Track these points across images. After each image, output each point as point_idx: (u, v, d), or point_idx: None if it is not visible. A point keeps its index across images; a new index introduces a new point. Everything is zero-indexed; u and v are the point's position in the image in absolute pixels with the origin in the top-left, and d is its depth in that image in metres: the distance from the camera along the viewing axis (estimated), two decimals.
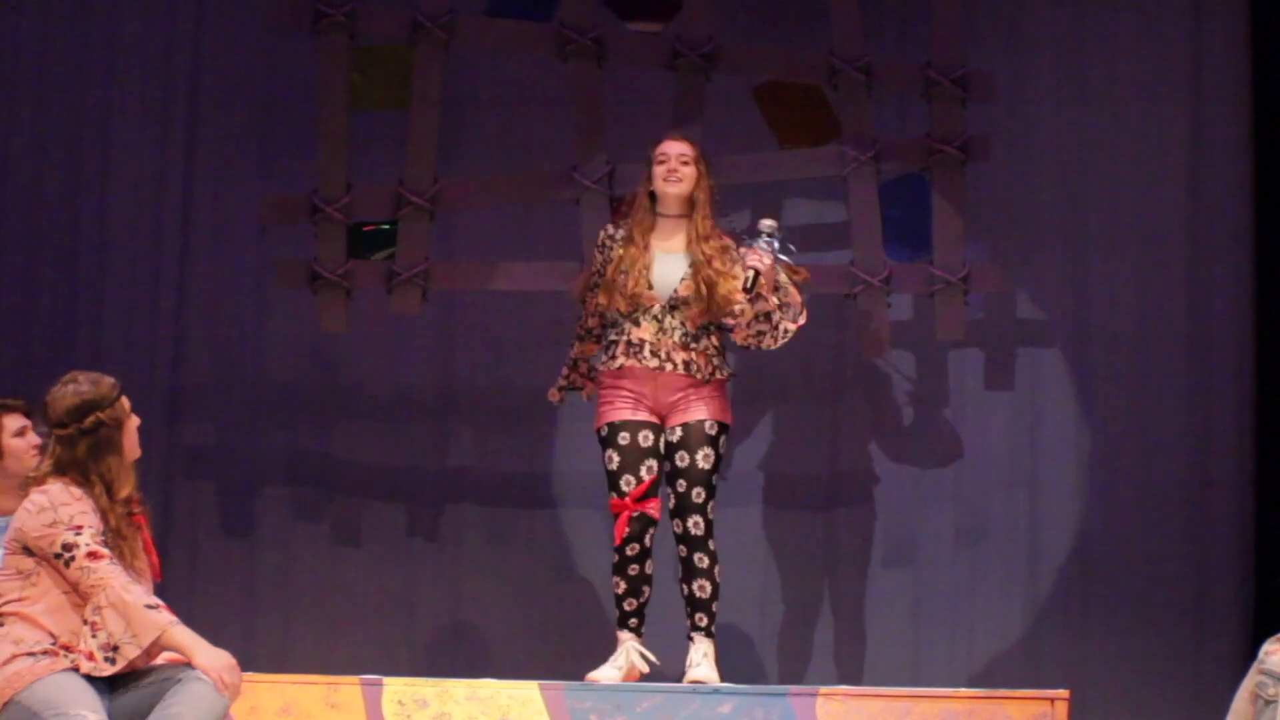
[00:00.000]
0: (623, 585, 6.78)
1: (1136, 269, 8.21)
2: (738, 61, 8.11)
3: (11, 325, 8.39)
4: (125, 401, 5.52)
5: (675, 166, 6.85)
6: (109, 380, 5.52)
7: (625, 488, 6.73)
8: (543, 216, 8.26)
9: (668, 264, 6.81)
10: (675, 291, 6.77)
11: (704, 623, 6.76)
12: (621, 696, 6.31)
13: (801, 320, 6.90)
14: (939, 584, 8.15)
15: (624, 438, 6.75)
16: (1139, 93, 8.25)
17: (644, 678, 6.77)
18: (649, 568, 6.79)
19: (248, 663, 5.55)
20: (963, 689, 6.46)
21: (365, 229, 8.07)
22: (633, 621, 6.79)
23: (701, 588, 6.75)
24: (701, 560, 6.74)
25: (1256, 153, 8.15)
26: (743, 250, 6.81)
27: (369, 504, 8.35)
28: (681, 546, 6.76)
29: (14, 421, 6.46)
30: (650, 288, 6.77)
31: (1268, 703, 5.49)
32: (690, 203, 6.86)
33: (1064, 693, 6.19)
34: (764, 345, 6.89)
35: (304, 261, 8.06)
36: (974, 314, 8.11)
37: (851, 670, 8.05)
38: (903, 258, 8.00)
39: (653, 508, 6.75)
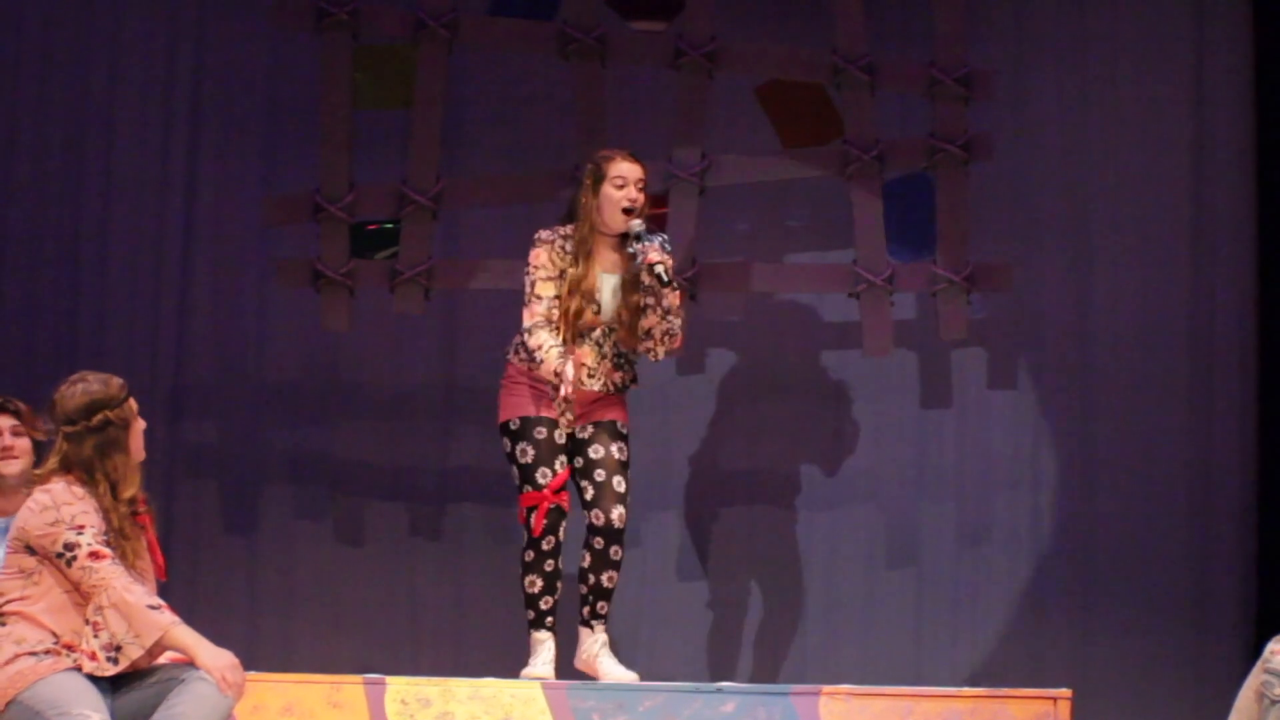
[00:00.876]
0: (539, 583, 6.76)
1: (1139, 268, 8.21)
2: (740, 61, 8.10)
3: (14, 324, 8.39)
4: (133, 403, 5.53)
5: (635, 195, 6.74)
6: (118, 381, 5.53)
7: (542, 480, 6.68)
8: (545, 216, 8.24)
9: (610, 287, 6.76)
10: (616, 315, 6.73)
11: (604, 611, 6.79)
12: (624, 696, 6.31)
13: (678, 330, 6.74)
14: (941, 583, 8.15)
15: (540, 432, 6.70)
16: (1141, 92, 8.25)
17: (654, 677, 6.74)
18: (561, 563, 6.77)
19: (250, 662, 5.56)
20: (965, 688, 6.45)
21: (368, 228, 8.08)
22: (550, 620, 6.79)
23: (611, 579, 6.75)
24: (616, 552, 6.73)
25: (1259, 152, 8.15)
26: (642, 246, 6.67)
27: (371, 503, 8.35)
28: (597, 538, 6.71)
29: (3, 421, 6.46)
30: (597, 313, 6.73)
31: (1273, 702, 5.49)
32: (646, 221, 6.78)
33: (1066, 692, 6.19)
34: (659, 351, 6.75)
35: (306, 261, 8.06)
36: (977, 313, 8.11)
37: (854, 669, 8.04)
38: (906, 257, 8.00)
39: (567, 501, 6.73)
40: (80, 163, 8.45)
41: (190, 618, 5.42)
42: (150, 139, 8.46)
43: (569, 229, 6.80)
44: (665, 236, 6.77)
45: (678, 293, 6.70)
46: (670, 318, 6.69)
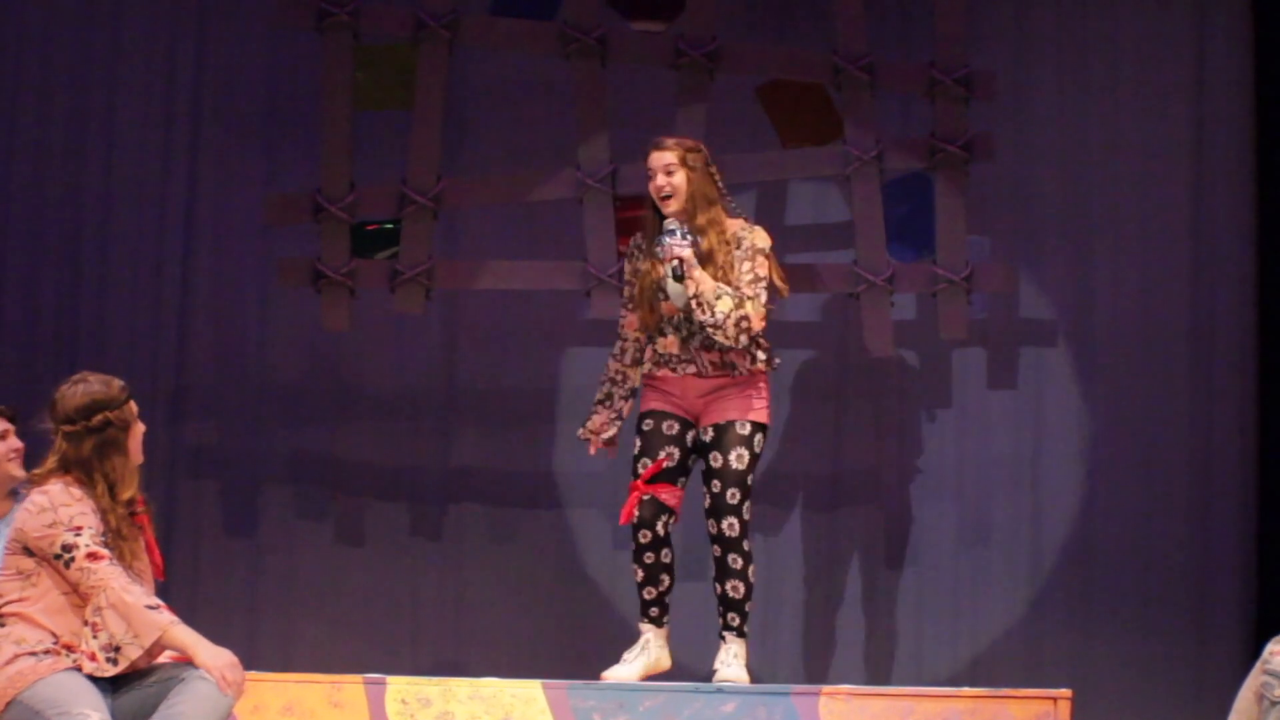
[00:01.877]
0: (640, 573, 6.70)
1: (1139, 268, 8.21)
2: (741, 61, 8.10)
3: (15, 325, 8.40)
4: (133, 405, 5.54)
5: (661, 183, 6.71)
6: (119, 383, 5.53)
7: (640, 470, 6.67)
8: (546, 216, 8.26)
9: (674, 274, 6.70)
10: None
11: (736, 623, 6.70)
12: (624, 695, 6.31)
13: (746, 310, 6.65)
14: (941, 583, 8.15)
15: (648, 424, 6.68)
16: (1142, 91, 8.25)
17: (666, 675, 6.73)
18: (666, 557, 6.69)
19: (251, 661, 5.56)
20: (965, 688, 6.45)
21: (368, 228, 8.08)
22: (653, 611, 6.73)
23: (734, 588, 6.67)
24: (735, 561, 6.65)
25: (1259, 151, 8.15)
26: (663, 246, 6.63)
27: (372, 503, 8.35)
28: (716, 547, 6.66)
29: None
30: (666, 299, 6.68)
31: (1273, 704, 5.49)
32: (697, 203, 6.72)
33: (1066, 692, 6.19)
34: (718, 338, 6.64)
35: (307, 260, 8.07)
36: (977, 313, 8.11)
37: (854, 669, 8.05)
38: (906, 257, 8.00)
39: (665, 494, 6.66)
40: (81, 163, 8.45)
41: (191, 617, 5.42)
42: (151, 139, 8.46)
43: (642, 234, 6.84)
44: (685, 228, 6.65)
45: (695, 283, 6.60)
46: (702, 309, 6.59)
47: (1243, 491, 8.06)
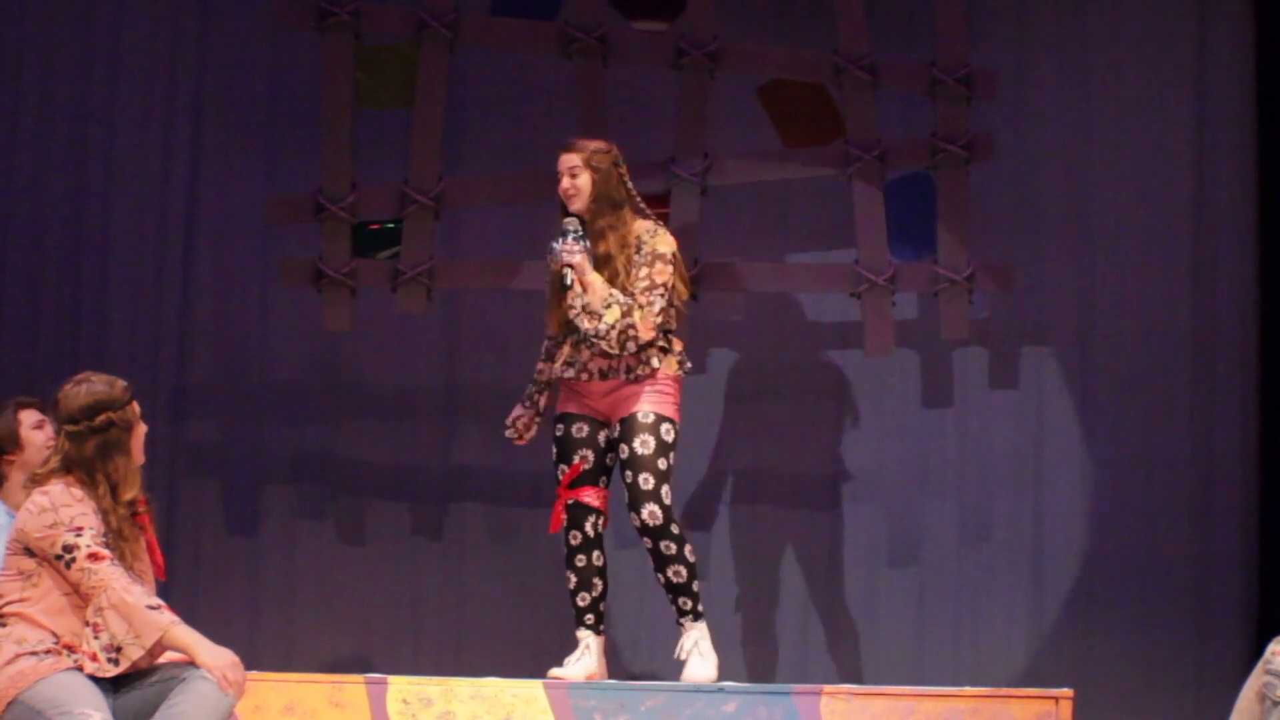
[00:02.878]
0: (573, 578, 6.68)
1: (1141, 268, 8.21)
2: (742, 60, 8.10)
3: (16, 324, 8.40)
4: (136, 406, 5.53)
5: (565, 185, 6.68)
6: (122, 383, 5.53)
7: (560, 476, 6.69)
8: (547, 215, 8.24)
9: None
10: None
11: (688, 606, 6.65)
12: (625, 695, 6.30)
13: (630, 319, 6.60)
14: (943, 583, 8.15)
15: (559, 429, 6.70)
16: (1143, 91, 8.25)
17: (666, 675, 6.72)
18: (598, 560, 6.67)
19: (252, 661, 5.56)
20: (967, 688, 6.45)
21: (370, 228, 8.08)
22: (589, 618, 6.69)
23: (676, 573, 6.62)
24: (668, 547, 6.60)
25: (1260, 151, 8.15)
26: (554, 252, 6.61)
27: (373, 503, 8.35)
28: (645, 538, 6.61)
29: (30, 416, 6.47)
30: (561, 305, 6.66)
31: (1275, 704, 5.49)
32: (601, 205, 6.65)
33: (1068, 692, 6.18)
34: (601, 344, 6.62)
35: (308, 260, 8.07)
36: (979, 313, 8.11)
37: (855, 669, 8.05)
38: (907, 257, 8.00)
39: (588, 496, 6.64)
40: (82, 162, 8.46)
41: (192, 617, 5.42)
42: (152, 138, 8.47)
43: None
44: (568, 238, 6.60)
45: (586, 290, 6.56)
46: (588, 318, 6.58)
47: (1244, 491, 8.06)
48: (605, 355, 6.62)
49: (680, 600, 6.66)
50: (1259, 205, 8.15)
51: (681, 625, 6.68)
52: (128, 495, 5.45)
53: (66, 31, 8.49)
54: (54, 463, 5.48)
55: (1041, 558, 8.13)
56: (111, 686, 5.30)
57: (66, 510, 5.36)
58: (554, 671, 6.60)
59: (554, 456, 6.72)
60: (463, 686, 6.32)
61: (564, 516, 6.68)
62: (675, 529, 6.62)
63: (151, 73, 8.48)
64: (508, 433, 6.92)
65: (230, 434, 8.40)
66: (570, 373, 6.67)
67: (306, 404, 8.39)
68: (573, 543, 6.68)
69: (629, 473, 6.60)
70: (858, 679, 7.88)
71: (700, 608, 6.68)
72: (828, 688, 6.30)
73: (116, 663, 5.26)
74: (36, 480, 5.49)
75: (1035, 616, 8.10)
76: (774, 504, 8.23)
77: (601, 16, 8.08)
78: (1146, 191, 8.23)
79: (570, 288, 6.57)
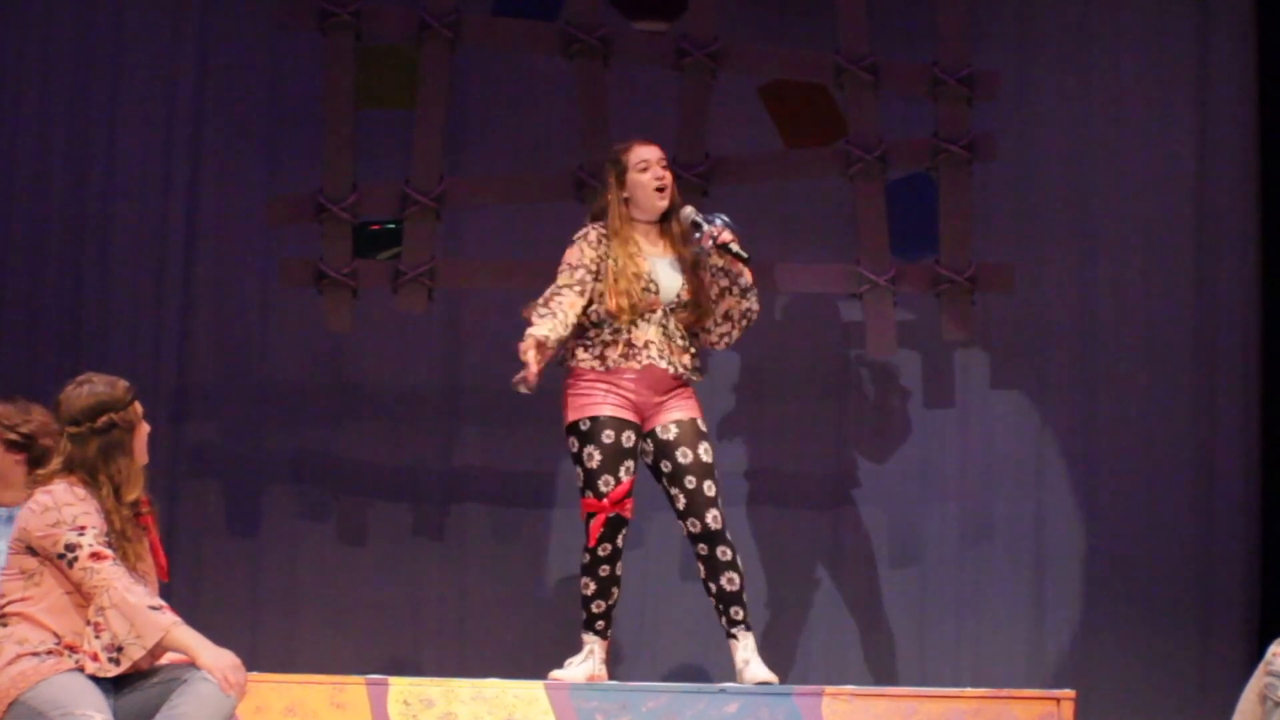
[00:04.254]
0: (593, 586, 6.64)
1: (1142, 268, 8.21)
2: (743, 61, 8.10)
3: (17, 325, 8.40)
4: (138, 406, 5.53)
5: (661, 174, 6.68)
6: (124, 383, 5.52)
7: (604, 487, 6.57)
8: (548, 216, 8.26)
9: (663, 269, 6.66)
10: (677, 296, 6.64)
11: (740, 616, 6.61)
12: (627, 696, 6.30)
13: (756, 305, 6.72)
14: (944, 583, 8.15)
15: (608, 436, 6.58)
16: (1145, 91, 8.25)
17: (668, 675, 6.71)
18: (619, 569, 6.65)
19: (253, 662, 5.55)
20: (968, 688, 6.45)
21: (371, 228, 8.08)
22: (599, 624, 6.66)
23: (730, 580, 6.60)
24: (724, 553, 6.58)
25: (1263, 150, 8.16)
26: (709, 230, 6.60)
27: (374, 503, 8.35)
28: (701, 545, 6.58)
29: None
30: (656, 293, 6.64)
31: (1276, 704, 5.49)
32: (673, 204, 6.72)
33: (1070, 692, 6.18)
34: (735, 335, 6.72)
35: (309, 261, 8.07)
36: (980, 313, 8.11)
37: (857, 669, 8.05)
38: (909, 257, 8.00)
39: (629, 509, 6.63)
40: (83, 163, 8.46)
41: (193, 618, 5.42)
42: (153, 139, 8.47)
43: (603, 225, 6.72)
44: (725, 216, 6.66)
45: (750, 268, 6.62)
46: (749, 295, 6.65)
47: (1246, 491, 8.06)
48: (687, 350, 6.62)
49: (732, 610, 6.62)
50: (1260, 205, 8.15)
51: (735, 637, 6.62)
52: (130, 496, 5.45)
53: (67, 32, 8.49)
54: (56, 464, 5.48)
55: (1043, 558, 8.13)
56: (113, 687, 5.30)
57: (69, 509, 5.36)
58: (555, 673, 6.59)
59: (594, 464, 6.57)
60: (464, 687, 6.32)
61: (603, 530, 6.59)
62: (730, 535, 6.62)
63: (152, 73, 8.48)
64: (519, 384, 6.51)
65: (231, 435, 8.40)
66: (662, 364, 6.58)
67: (307, 405, 8.39)
68: (602, 554, 6.61)
69: (691, 478, 6.58)
70: (859, 680, 7.88)
71: (750, 619, 6.65)
72: (829, 689, 6.30)
73: (118, 663, 5.26)
74: (38, 481, 5.49)
75: (1037, 617, 8.10)
76: (775, 504, 8.23)
77: (603, 17, 8.08)
78: (1148, 192, 8.23)
79: (750, 259, 6.58)
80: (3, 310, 8.42)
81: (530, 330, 6.49)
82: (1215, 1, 8.25)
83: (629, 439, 6.59)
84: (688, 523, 6.60)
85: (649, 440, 6.64)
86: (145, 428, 5.54)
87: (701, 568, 6.63)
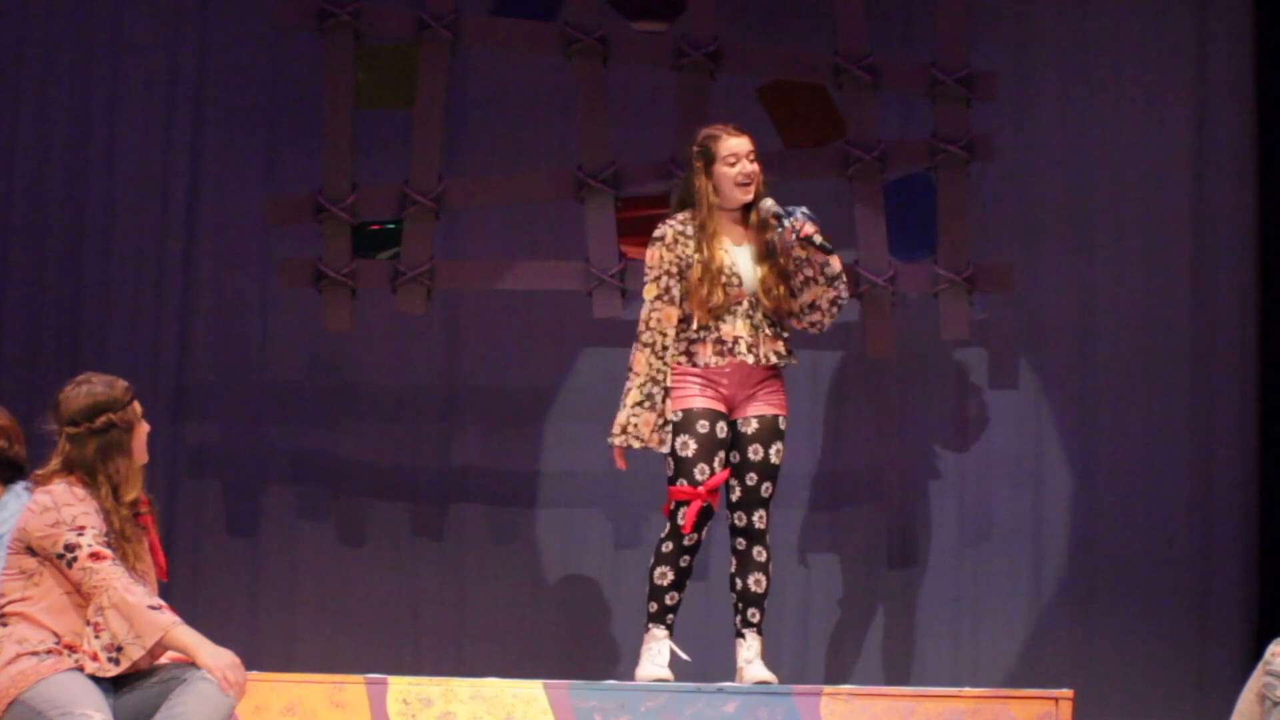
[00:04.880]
0: (671, 575, 6.60)
1: (1141, 268, 8.21)
2: (742, 61, 8.11)
3: (17, 325, 8.40)
4: (137, 406, 5.52)
5: (749, 169, 6.66)
6: (123, 383, 5.52)
7: (700, 476, 6.52)
8: (547, 216, 8.27)
9: (744, 259, 6.62)
10: (761, 285, 6.58)
11: (756, 619, 6.63)
12: (625, 696, 6.30)
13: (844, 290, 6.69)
14: (943, 583, 8.15)
15: (703, 426, 6.55)
16: (1143, 92, 8.26)
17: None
18: (696, 564, 6.66)
19: (252, 662, 5.56)
20: (966, 688, 6.45)
21: (370, 228, 8.09)
22: (670, 618, 6.64)
23: (758, 582, 6.61)
24: (760, 554, 6.60)
25: (1260, 151, 8.16)
26: (791, 222, 6.57)
27: (373, 503, 8.35)
28: (740, 539, 6.59)
29: None
30: (740, 285, 6.59)
31: (1275, 704, 5.49)
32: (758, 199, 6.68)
33: (1068, 692, 6.19)
34: (826, 323, 6.67)
35: (309, 261, 8.07)
36: (979, 313, 8.11)
37: (856, 669, 8.05)
38: (908, 257, 8.01)
39: (718, 501, 6.60)
40: (83, 163, 8.46)
41: (192, 617, 5.42)
42: (152, 139, 8.47)
43: (684, 216, 6.67)
44: (805, 208, 6.65)
45: (836, 256, 6.60)
46: (837, 283, 6.60)
47: (1244, 491, 8.07)
48: (778, 338, 6.59)
49: (750, 611, 6.63)
50: (1259, 205, 8.16)
51: (743, 636, 6.63)
52: (130, 496, 5.45)
53: (66, 32, 8.49)
54: (54, 464, 5.47)
55: (1041, 558, 8.13)
56: (112, 686, 5.30)
57: (69, 509, 5.36)
58: (653, 674, 6.51)
59: (685, 450, 6.51)
60: (463, 687, 6.32)
61: (696, 518, 6.56)
62: (769, 539, 6.63)
63: (152, 73, 8.48)
64: (618, 440, 6.58)
65: (230, 434, 8.40)
66: (750, 358, 6.54)
67: (307, 405, 8.39)
68: (687, 544, 6.59)
69: (754, 475, 6.59)
70: (858, 679, 7.88)
71: (763, 625, 6.66)
72: (828, 688, 6.30)
73: (117, 663, 5.26)
74: (38, 481, 5.49)
75: (1035, 617, 8.10)
76: (775, 504, 8.20)
77: (602, 17, 8.08)
78: (1146, 192, 8.23)
79: (832, 250, 6.55)
80: (3, 309, 8.42)
81: (618, 422, 6.55)
82: (1213, 2, 8.25)
83: (722, 429, 6.59)
84: (735, 515, 6.62)
85: (731, 428, 6.63)
86: (144, 427, 5.54)
87: (734, 561, 6.64)
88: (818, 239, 6.55)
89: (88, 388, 5.47)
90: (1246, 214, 8.16)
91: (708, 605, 7.66)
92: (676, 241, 6.62)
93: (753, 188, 6.66)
